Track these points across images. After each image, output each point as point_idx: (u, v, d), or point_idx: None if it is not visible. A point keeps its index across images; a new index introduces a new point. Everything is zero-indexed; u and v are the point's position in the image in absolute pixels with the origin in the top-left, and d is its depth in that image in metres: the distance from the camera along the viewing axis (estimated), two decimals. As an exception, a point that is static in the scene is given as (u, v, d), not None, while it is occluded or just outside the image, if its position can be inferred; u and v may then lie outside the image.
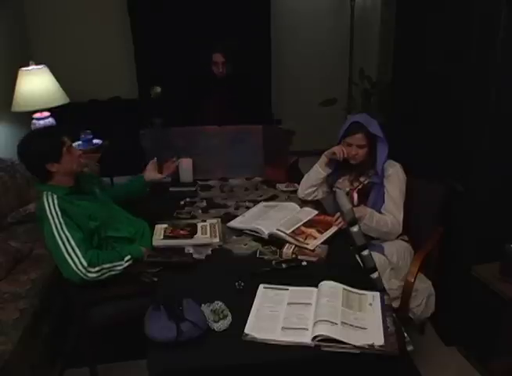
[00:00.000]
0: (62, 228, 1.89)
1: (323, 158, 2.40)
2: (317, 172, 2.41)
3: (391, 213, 2.21)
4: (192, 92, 3.22)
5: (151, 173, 2.45)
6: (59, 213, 1.90)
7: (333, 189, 2.41)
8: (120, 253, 1.99)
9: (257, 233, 2.12)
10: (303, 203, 2.44)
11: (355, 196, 2.29)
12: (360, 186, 2.31)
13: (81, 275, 1.87)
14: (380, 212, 2.22)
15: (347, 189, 2.33)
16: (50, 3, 4.07)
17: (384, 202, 2.24)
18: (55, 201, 1.92)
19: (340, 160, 2.30)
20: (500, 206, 2.23)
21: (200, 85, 3.18)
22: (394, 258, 2.20)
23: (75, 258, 1.87)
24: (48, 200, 1.92)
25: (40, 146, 1.95)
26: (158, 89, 2.67)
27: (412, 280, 2.11)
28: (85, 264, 1.87)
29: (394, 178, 2.25)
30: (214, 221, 2.23)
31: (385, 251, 2.20)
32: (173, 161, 2.55)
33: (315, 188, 2.43)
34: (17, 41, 3.87)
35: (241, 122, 2.84)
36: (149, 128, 2.70)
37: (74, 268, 1.86)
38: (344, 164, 2.34)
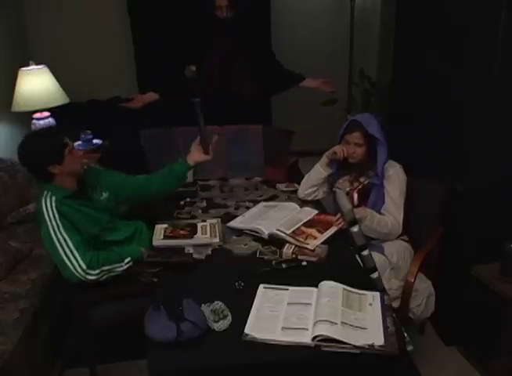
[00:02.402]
0: (59, 230, 1.88)
1: (324, 158, 2.40)
2: (318, 172, 2.41)
3: (391, 214, 2.21)
4: (196, 39, 3.05)
5: (196, 154, 2.22)
6: (56, 215, 1.89)
7: (333, 189, 2.41)
8: (120, 254, 1.99)
9: (257, 233, 2.12)
10: (303, 203, 2.44)
11: (355, 196, 2.29)
12: (360, 187, 2.31)
13: (80, 277, 1.87)
14: (379, 213, 2.22)
15: (348, 189, 2.33)
16: (50, 3, 4.06)
17: (384, 202, 2.24)
18: (53, 203, 1.90)
19: (341, 160, 2.31)
20: (500, 206, 2.23)
21: (204, 31, 3.03)
22: (394, 258, 2.20)
23: (73, 261, 1.86)
24: (46, 203, 1.91)
25: (41, 147, 1.91)
26: (193, 68, 2.51)
27: (412, 280, 2.11)
28: (84, 266, 1.86)
29: (395, 179, 2.25)
30: (214, 221, 2.23)
31: (385, 251, 2.20)
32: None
33: (315, 188, 2.44)
34: (17, 41, 3.86)
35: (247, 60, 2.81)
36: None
37: (73, 270, 1.86)
38: (345, 165, 2.34)
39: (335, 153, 2.31)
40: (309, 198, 2.46)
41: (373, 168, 2.28)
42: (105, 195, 2.13)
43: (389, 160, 2.27)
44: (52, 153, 1.91)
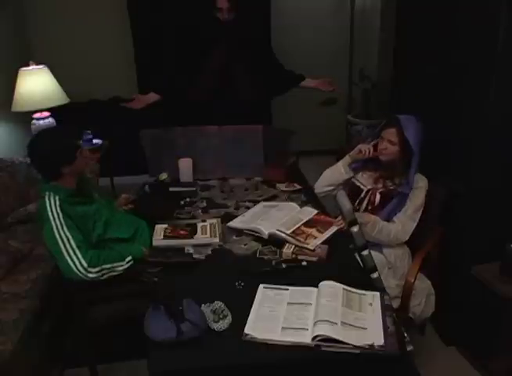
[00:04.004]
0: (62, 229, 1.89)
1: (347, 159, 2.37)
2: (339, 173, 2.39)
3: (402, 222, 2.19)
4: (197, 44, 3.02)
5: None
6: (60, 214, 1.90)
7: (352, 180, 2.38)
8: (121, 253, 2.00)
9: (257, 233, 2.12)
10: (303, 203, 2.44)
11: (378, 197, 2.26)
12: (384, 189, 2.28)
13: (81, 275, 1.87)
14: (392, 220, 2.21)
15: (369, 186, 2.31)
16: (50, 3, 4.06)
17: (400, 211, 2.22)
18: (57, 203, 1.92)
19: (366, 157, 2.28)
20: (500, 206, 2.24)
21: (204, 32, 3.01)
22: (391, 257, 2.20)
23: (75, 259, 1.87)
24: (50, 201, 1.92)
25: (56, 148, 1.95)
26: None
27: (413, 281, 2.10)
28: (85, 265, 1.87)
29: (422, 192, 2.22)
30: (214, 221, 2.23)
31: (383, 249, 2.21)
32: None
33: (333, 187, 2.41)
34: (17, 41, 3.87)
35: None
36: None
37: (74, 268, 1.87)
38: (373, 161, 2.31)
39: (360, 152, 2.28)
40: (323, 195, 2.44)
41: (401, 176, 2.24)
42: (96, 194, 2.16)
43: (417, 172, 2.23)
44: (66, 155, 1.96)
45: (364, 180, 2.36)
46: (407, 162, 2.21)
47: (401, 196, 2.23)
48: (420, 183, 2.23)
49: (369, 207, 2.27)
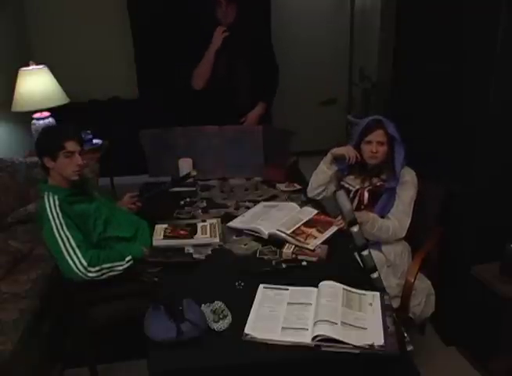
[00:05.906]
0: (62, 228, 1.89)
1: (329, 156, 2.37)
2: (323, 172, 2.39)
3: (398, 218, 2.19)
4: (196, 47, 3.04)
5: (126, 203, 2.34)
6: (59, 214, 1.91)
7: (341, 182, 2.39)
8: (121, 253, 2.00)
9: (257, 233, 2.12)
10: (303, 203, 2.44)
11: (366, 195, 2.27)
12: (371, 187, 2.28)
13: (81, 275, 1.88)
14: (387, 217, 2.21)
15: (357, 187, 2.32)
16: (50, 3, 4.07)
17: (391, 207, 2.22)
18: (57, 202, 1.93)
19: (352, 163, 2.29)
20: (500, 206, 2.24)
21: (204, 32, 3.01)
22: (391, 255, 2.20)
23: (75, 258, 1.87)
24: (49, 201, 1.93)
25: (42, 141, 2.04)
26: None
27: (413, 280, 2.10)
28: (85, 264, 1.87)
29: (410, 185, 2.22)
30: (214, 221, 2.23)
31: (382, 248, 2.21)
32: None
33: (323, 188, 2.42)
34: (17, 41, 3.87)
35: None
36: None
37: (74, 268, 1.87)
38: (357, 165, 2.32)
39: (343, 155, 2.28)
40: (319, 197, 2.45)
41: (387, 171, 2.26)
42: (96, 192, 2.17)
43: (405, 166, 2.25)
44: (47, 148, 2.00)
45: (351, 181, 2.37)
46: (392, 158, 2.24)
47: (390, 191, 2.24)
48: (407, 177, 2.24)
49: (362, 207, 2.27)
